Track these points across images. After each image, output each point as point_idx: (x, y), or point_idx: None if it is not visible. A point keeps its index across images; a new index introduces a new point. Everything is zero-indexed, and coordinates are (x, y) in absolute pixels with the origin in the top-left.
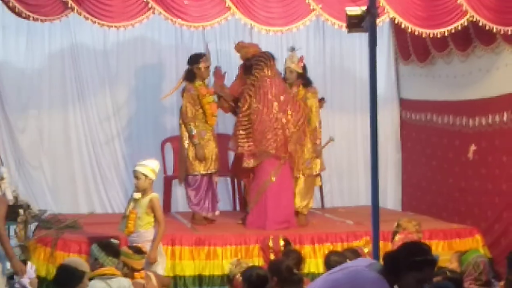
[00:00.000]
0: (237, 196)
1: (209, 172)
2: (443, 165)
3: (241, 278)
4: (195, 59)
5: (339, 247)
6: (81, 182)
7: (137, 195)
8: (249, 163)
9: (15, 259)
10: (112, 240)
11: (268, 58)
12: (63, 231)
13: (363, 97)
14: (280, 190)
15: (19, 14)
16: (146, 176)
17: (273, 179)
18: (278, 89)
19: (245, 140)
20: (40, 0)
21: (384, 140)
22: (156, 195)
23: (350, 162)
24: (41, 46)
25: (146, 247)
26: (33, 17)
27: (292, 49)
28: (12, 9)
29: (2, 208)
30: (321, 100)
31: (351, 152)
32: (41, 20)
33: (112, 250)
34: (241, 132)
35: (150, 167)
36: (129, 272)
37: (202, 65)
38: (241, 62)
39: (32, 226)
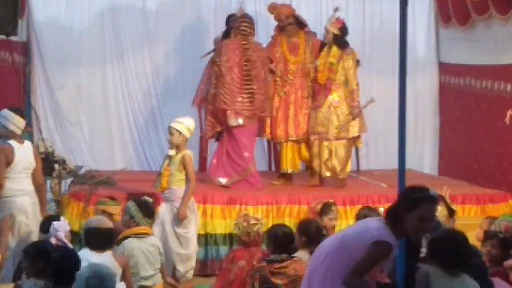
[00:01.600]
0: (272, 156)
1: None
2: (480, 130)
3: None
4: (228, 19)
5: None
6: (118, 139)
7: (171, 152)
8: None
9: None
10: (146, 198)
11: (251, 20)
12: (97, 187)
13: None
14: None
15: None
16: (180, 132)
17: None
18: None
19: (243, 104)
20: None
21: (422, 104)
22: (189, 153)
23: (387, 125)
24: (81, 4)
25: (180, 204)
26: None
27: (335, 10)
28: None
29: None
30: (357, 62)
31: (388, 115)
32: None
33: (149, 211)
34: (240, 97)
35: (185, 124)
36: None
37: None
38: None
39: (68, 182)
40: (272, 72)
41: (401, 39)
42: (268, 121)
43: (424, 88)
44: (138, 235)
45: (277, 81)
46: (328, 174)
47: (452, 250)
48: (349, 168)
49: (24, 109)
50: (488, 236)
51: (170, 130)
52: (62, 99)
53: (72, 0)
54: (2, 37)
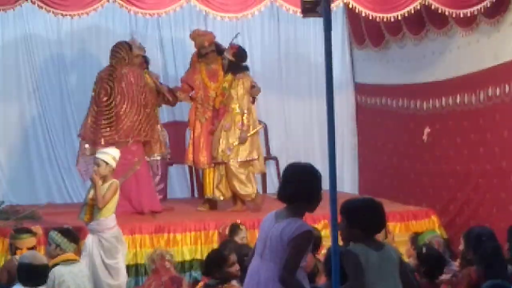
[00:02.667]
0: (195, 183)
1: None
2: (399, 148)
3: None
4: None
5: None
6: (39, 172)
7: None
8: None
9: None
10: (67, 226)
11: (126, 48)
12: (21, 222)
13: (318, 82)
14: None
15: None
16: (106, 163)
17: (138, 167)
18: (134, 79)
19: (107, 129)
20: None
21: (340, 125)
22: (116, 181)
23: (307, 147)
24: None
25: (107, 235)
26: None
27: (234, 36)
28: None
29: None
30: (252, 88)
31: (307, 137)
32: None
33: (74, 237)
34: (103, 122)
35: (111, 154)
36: (13, 249)
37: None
38: (195, 50)
39: None
40: (192, 99)
41: (327, 62)
42: (190, 147)
43: (341, 108)
44: (66, 262)
45: (198, 108)
46: (221, 198)
47: (371, 214)
48: (253, 190)
49: None
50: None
51: (97, 161)
52: None
53: None
54: None
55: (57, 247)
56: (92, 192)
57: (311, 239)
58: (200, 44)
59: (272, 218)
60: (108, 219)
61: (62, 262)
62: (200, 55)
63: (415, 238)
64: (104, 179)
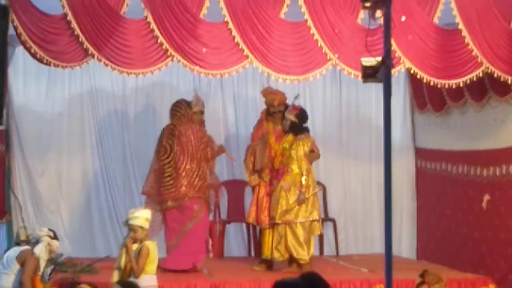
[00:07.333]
0: (252, 242)
1: None
2: (457, 215)
3: None
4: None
5: None
6: (99, 226)
7: (135, 246)
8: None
9: None
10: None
11: (184, 106)
12: (79, 275)
13: (378, 145)
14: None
15: (40, 60)
16: (142, 227)
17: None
18: (194, 136)
19: (172, 186)
20: (62, 47)
21: (399, 189)
22: (149, 243)
23: (365, 210)
24: (61, 90)
25: None
26: (54, 64)
27: (295, 97)
28: (34, 56)
29: (31, 264)
30: (312, 152)
31: (366, 200)
32: (62, 67)
33: None
34: (168, 179)
35: (144, 217)
36: None
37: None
38: (259, 108)
39: (48, 270)
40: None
41: (385, 128)
42: (254, 206)
43: (401, 172)
44: None
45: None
46: (280, 259)
47: None
48: (308, 254)
49: (4, 197)
50: None
51: (132, 227)
52: (42, 187)
53: (52, 87)
54: None
55: None
56: (125, 256)
57: None
58: (269, 102)
59: None
60: (139, 279)
61: None
62: (269, 114)
63: None
64: (141, 241)
